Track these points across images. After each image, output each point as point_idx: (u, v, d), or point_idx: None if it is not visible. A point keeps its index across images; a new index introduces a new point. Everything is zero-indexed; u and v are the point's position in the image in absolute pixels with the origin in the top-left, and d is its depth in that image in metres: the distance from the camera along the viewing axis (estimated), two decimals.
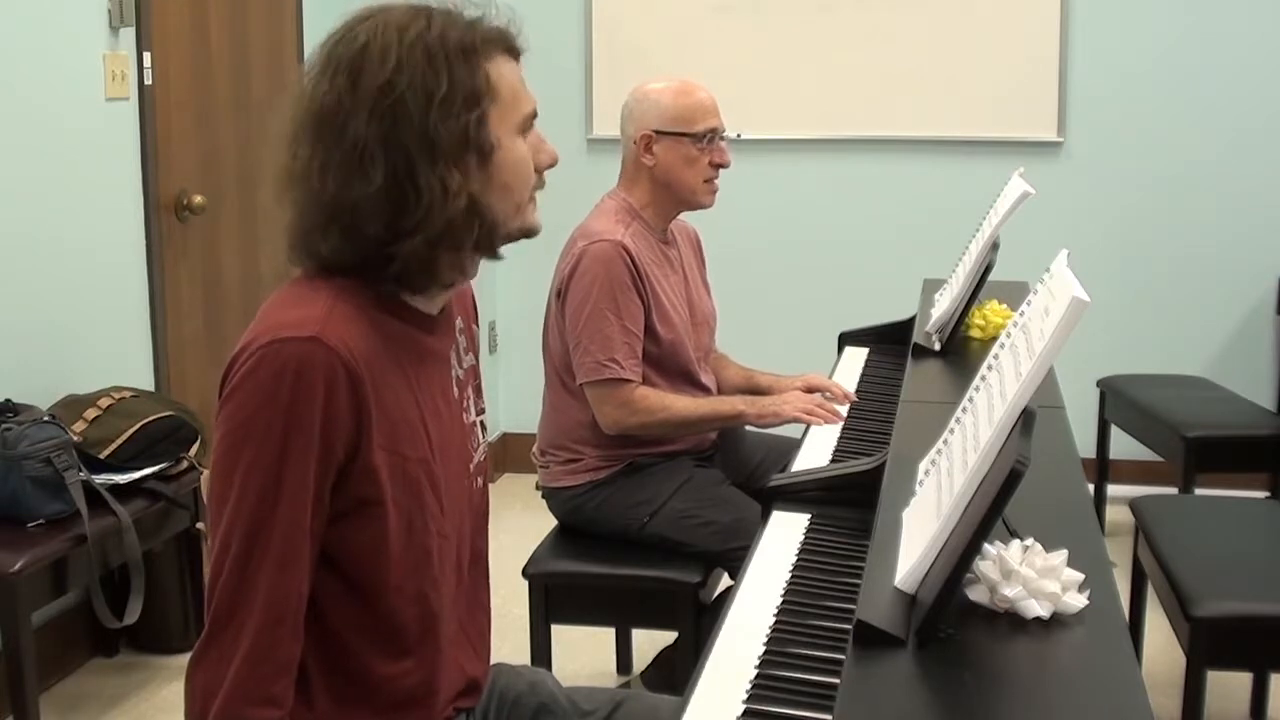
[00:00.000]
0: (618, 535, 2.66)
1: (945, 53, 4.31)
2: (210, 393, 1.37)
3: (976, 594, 1.39)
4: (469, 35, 1.39)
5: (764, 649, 1.53)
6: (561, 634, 2.69)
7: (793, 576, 1.74)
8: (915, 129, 4.36)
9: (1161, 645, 2.99)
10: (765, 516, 1.97)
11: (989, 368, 1.46)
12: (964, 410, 1.51)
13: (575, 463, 2.68)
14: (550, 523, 2.79)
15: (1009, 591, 1.36)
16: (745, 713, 1.40)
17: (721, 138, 2.69)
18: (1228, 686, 2.95)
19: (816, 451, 2.43)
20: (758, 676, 1.47)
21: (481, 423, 1.61)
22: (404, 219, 1.35)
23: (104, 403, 2.95)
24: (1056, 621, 1.36)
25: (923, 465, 1.64)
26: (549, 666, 2.57)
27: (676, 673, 2.66)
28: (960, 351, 2.71)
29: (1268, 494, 3.75)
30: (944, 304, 2.81)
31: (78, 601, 3.08)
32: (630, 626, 3.15)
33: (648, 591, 2.59)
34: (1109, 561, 1.53)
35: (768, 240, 4.50)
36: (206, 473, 1.39)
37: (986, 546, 1.38)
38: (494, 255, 1.45)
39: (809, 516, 1.94)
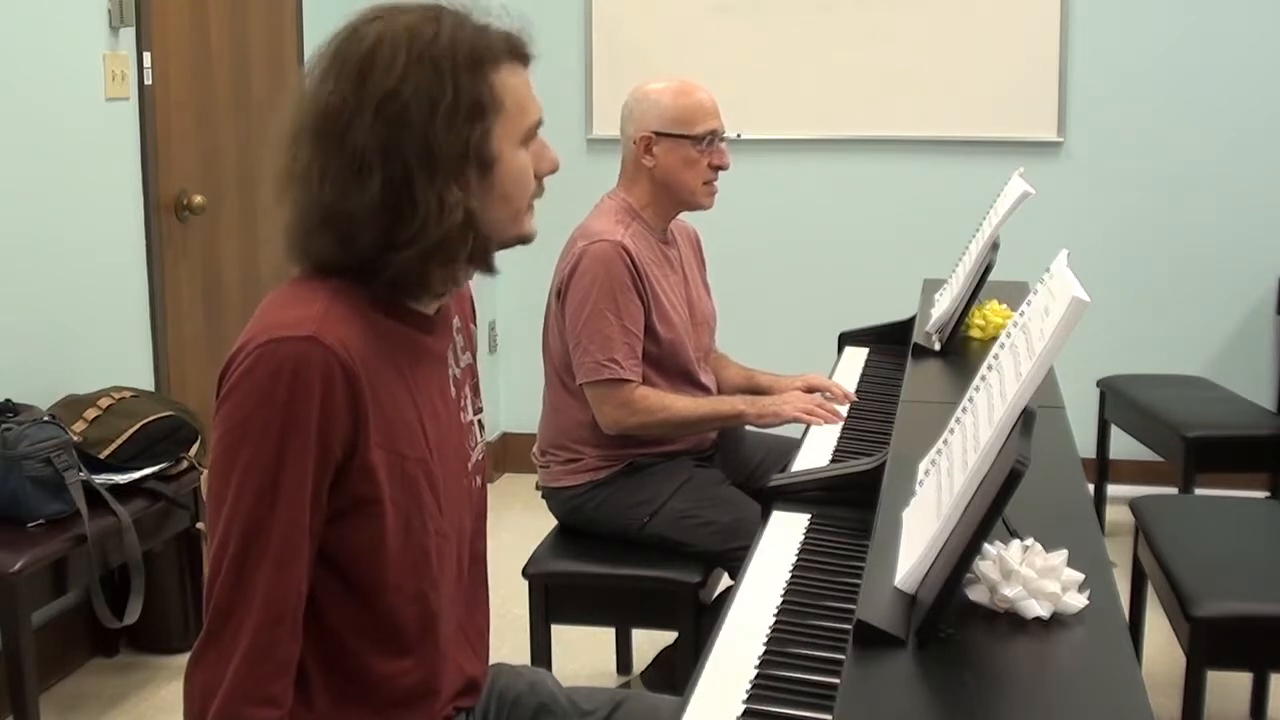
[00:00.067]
0: (618, 535, 2.66)
1: (945, 53, 4.31)
2: (210, 393, 1.37)
3: (976, 594, 1.39)
4: (478, 44, 1.37)
5: (764, 649, 1.53)
6: (561, 634, 2.69)
7: (793, 576, 1.74)
8: (915, 129, 4.36)
9: (1161, 645, 2.99)
10: (765, 516, 1.97)
11: (989, 368, 1.46)
12: (964, 410, 1.51)
13: (575, 463, 2.68)
14: (550, 523, 2.79)
15: (1009, 591, 1.36)
16: (745, 713, 1.40)
17: (722, 139, 2.69)
18: (1228, 686, 2.95)
19: (816, 451, 2.43)
20: (758, 676, 1.47)
21: (479, 422, 1.61)
22: (398, 231, 1.34)
23: (104, 403, 2.95)
24: (1056, 621, 1.36)
25: (923, 465, 1.64)
26: (549, 666, 2.57)
27: (676, 673, 2.66)
28: (960, 351, 2.71)
29: (1268, 494, 3.75)
30: (944, 304, 2.81)
31: (78, 601, 3.08)
32: (630, 626, 3.15)
33: (648, 591, 2.59)
34: (1109, 561, 1.53)
35: (768, 240, 4.50)
36: (207, 472, 1.39)
37: (986, 546, 1.38)
38: (488, 270, 1.44)
39: (809, 516, 1.94)
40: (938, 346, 2.71)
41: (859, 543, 1.78)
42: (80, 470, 2.76)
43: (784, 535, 1.88)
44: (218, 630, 1.31)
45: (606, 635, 3.21)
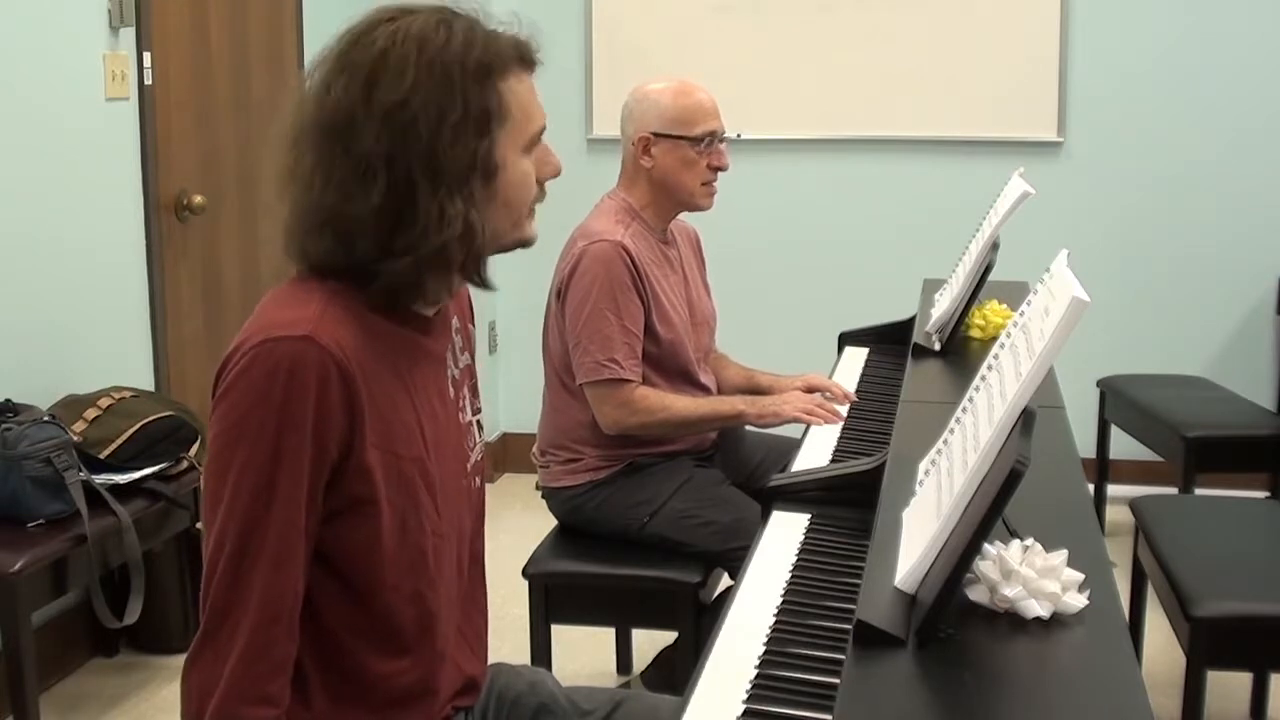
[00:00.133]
0: (618, 535, 2.66)
1: (945, 53, 4.31)
2: (210, 392, 1.37)
3: (976, 594, 1.39)
4: (487, 52, 1.37)
5: (764, 649, 1.53)
6: (561, 634, 2.69)
7: (793, 576, 1.74)
8: (915, 129, 4.36)
9: (1161, 645, 2.99)
10: (765, 516, 1.97)
11: (989, 368, 1.46)
12: (964, 410, 1.51)
13: (575, 463, 2.68)
14: (550, 523, 2.79)
15: (1009, 591, 1.36)
16: (745, 713, 1.40)
17: (721, 140, 2.69)
18: (1228, 686, 2.95)
19: (816, 451, 2.43)
20: (758, 676, 1.47)
21: (478, 422, 1.61)
22: (397, 239, 1.34)
23: (104, 403, 2.95)
24: (1056, 621, 1.35)
25: (923, 465, 1.64)
26: (549, 666, 2.57)
27: (676, 673, 2.66)
28: (960, 351, 2.71)
29: (1268, 494, 3.75)
30: (944, 304, 2.81)
31: (78, 601, 3.08)
32: (630, 626, 3.15)
33: (648, 591, 2.58)
34: (1109, 561, 1.53)
35: (768, 240, 4.50)
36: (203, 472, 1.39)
37: (986, 546, 1.38)
38: (482, 284, 1.44)
39: (809, 516, 1.94)
40: (938, 346, 2.71)
41: (859, 543, 1.78)
42: (80, 470, 2.76)
43: (784, 535, 1.88)
44: (214, 630, 1.31)
45: (606, 635, 3.20)
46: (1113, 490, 4.03)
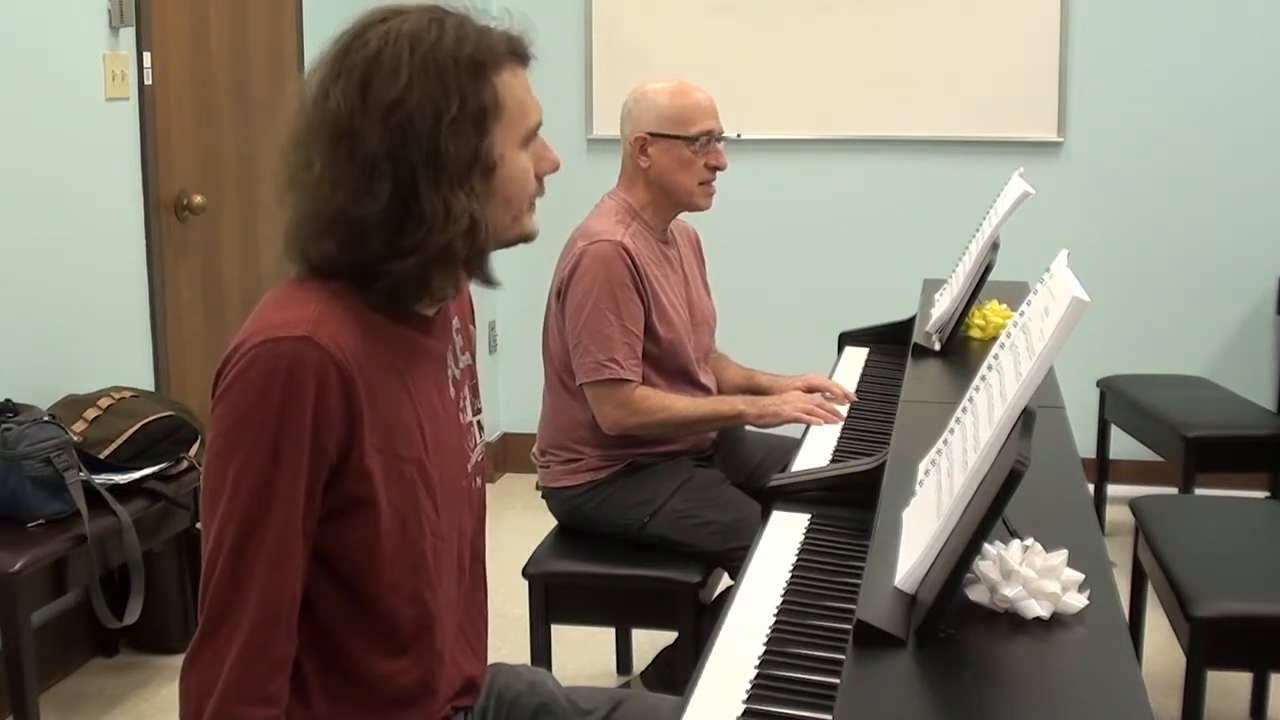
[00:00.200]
0: (618, 535, 2.66)
1: (945, 53, 4.31)
2: (209, 392, 1.37)
3: (976, 594, 1.39)
4: (480, 48, 1.37)
5: (764, 649, 1.53)
6: (561, 634, 2.69)
7: (793, 576, 1.74)
8: (915, 129, 4.36)
9: (1161, 645, 2.99)
10: (765, 516, 1.97)
11: (989, 368, 1.46)
12: (964, 410, 1.51)
13: (575, 463, 2.68)
14: (550, 523, 2.79)
15: (1009, 591, 1.36)
16: (745, 713, 1.40)
17: (719, 139, 2.68)
18: (1228, 686, 2.95)
19: (816, 451, 2.43)
20: (758, 676, 1.47)
21: (479, 423, 1.61)
22: (405, 238, 1.35)
23: (104, 403, 2.95)
24: (1056, 621, 1.35)
25: (923, 465, 1.64)
26: (549, 666, 2.57)
27: (676, 673, 2.66)
28: (960, 351, 2.71)
29: (1268, 494, 3.76)
30: (944, 304, 2.81)
31: (78, 601, 3.08)
32: (630, 626, 3.15)
33: (648, 591, 2.58)
34: (1109, 561, 1.53)
35: (768, 240, 4.50)
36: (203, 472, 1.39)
37: (986, 546, 1.38)
38: (486, 281, 1.44)
39: (809, 516, 1.94)
40: (938, 346, 2.71)
41: (859, 543, 1.78)
42: (80, 470, 2.76)
43: (784, 535, 1.88)
44: (213, 630, 1.31)
45: (606, 635, 3.20)
46: (1113, 490, 4.03)
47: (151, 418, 2.97)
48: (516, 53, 1.42)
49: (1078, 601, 1.36)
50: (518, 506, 4.13)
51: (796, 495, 2.01)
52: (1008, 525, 1.48)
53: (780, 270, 4.51)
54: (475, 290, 1.67)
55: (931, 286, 3.14)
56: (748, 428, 2.81)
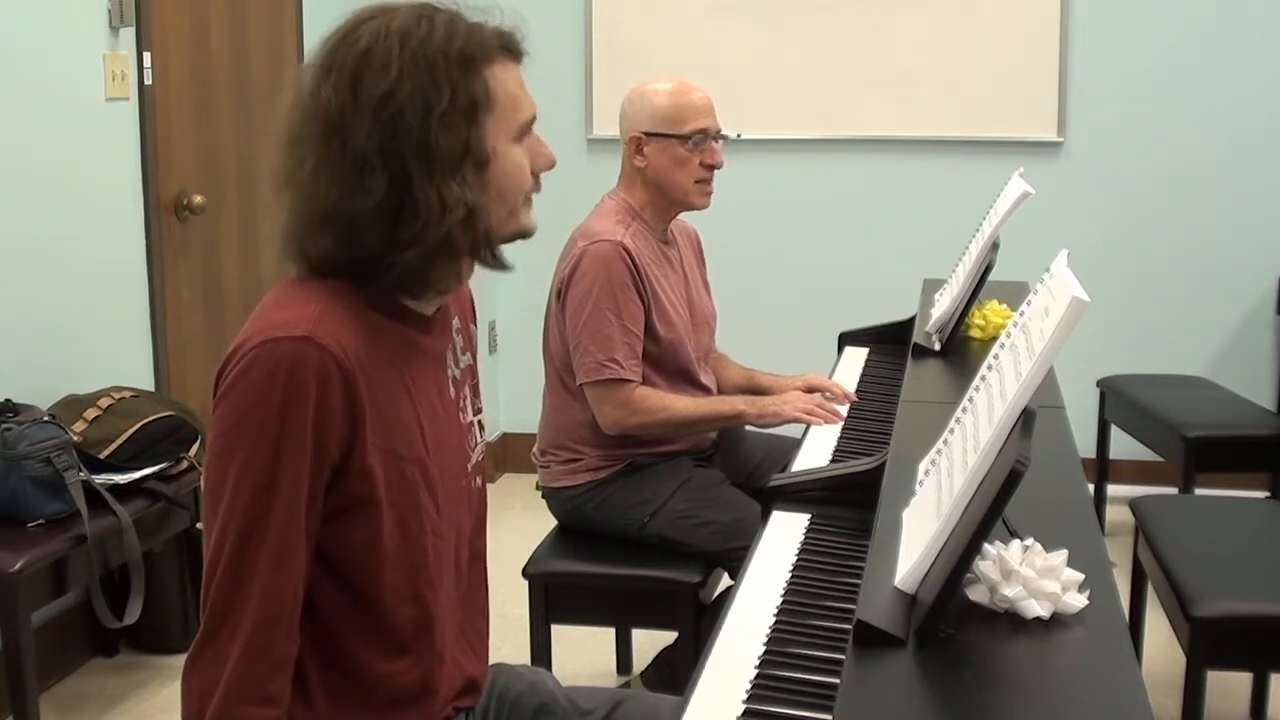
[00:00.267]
0: (618, 535, 2.66)
1: (945, 53, 4.31)
2: (210, 392, 1.37)
3: (976, 594, 1.39)
4: (470, 42, 1.38)
5: (764, 649, 1.53)
6: (561, 634, 2.69)
7: (793, 576, 1.74)
8: (915, 129, 4.36)
9: (1161, 645, 2.99)
10: (765, 516, 1.97)
11: (989, 368, 1.46)
12: (964, 410, 1.51)
13: (575, 463, 2.68)
14: (550, 523, 2.79)
15: (1009, 591, 1.36)
16: (745, 713, 1.40)
17: (716, 138, 2.68)
18: (1228, 686, 2.95)
19: (816, 451, 2.43)
20: (758, 676, 1.47)
21: (479, 422, 1.61)
22: (401, 231, 1.35)
23: (104, 403, 2.95)
24: (1056, 621, 1.35)
25: (923, 465, 1.64)
26: (549, 666, 2.57)
27: (676, 673, 2.66)
28: (960, 351, 2.71)
29: (1268, 494, 3.76)
30: (944, 304, 2.81)
31: (78, 601, 3.08)
32: (630, 626, 3.15)
33: (648, 591, 2.58)
34: (1109, 561, 1.53)
35: (768, 240, 4.50)
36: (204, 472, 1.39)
37: (986, 546, 1.38)
38: (499, 265, 1.45)
39: (809, 516, 1.94)
40: (938, 346, 2.71)
41: (859, 543, 1.78)
42: (80, 470, 2.76)
43: (784, 535, 1.88)
44: (215, 630, 1.31)
45: (606, 635, 3.21)
46: (1113, 490, 4.03)
47: (151, 418, 2.97)
48: (508, 47, 1.43)
49: (1078, 601, 1.36)
50: (518, 506, 4.13)
51: (796, 495, 2.01)
52: (1008, 525, 1.48)
53: (780, 270, 4.51)
54: (475, 290, 1.67)
55: (931, 286, 3.14)
56: (748, 428, 2.81)
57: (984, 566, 1.39)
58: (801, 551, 1.82)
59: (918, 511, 1.54)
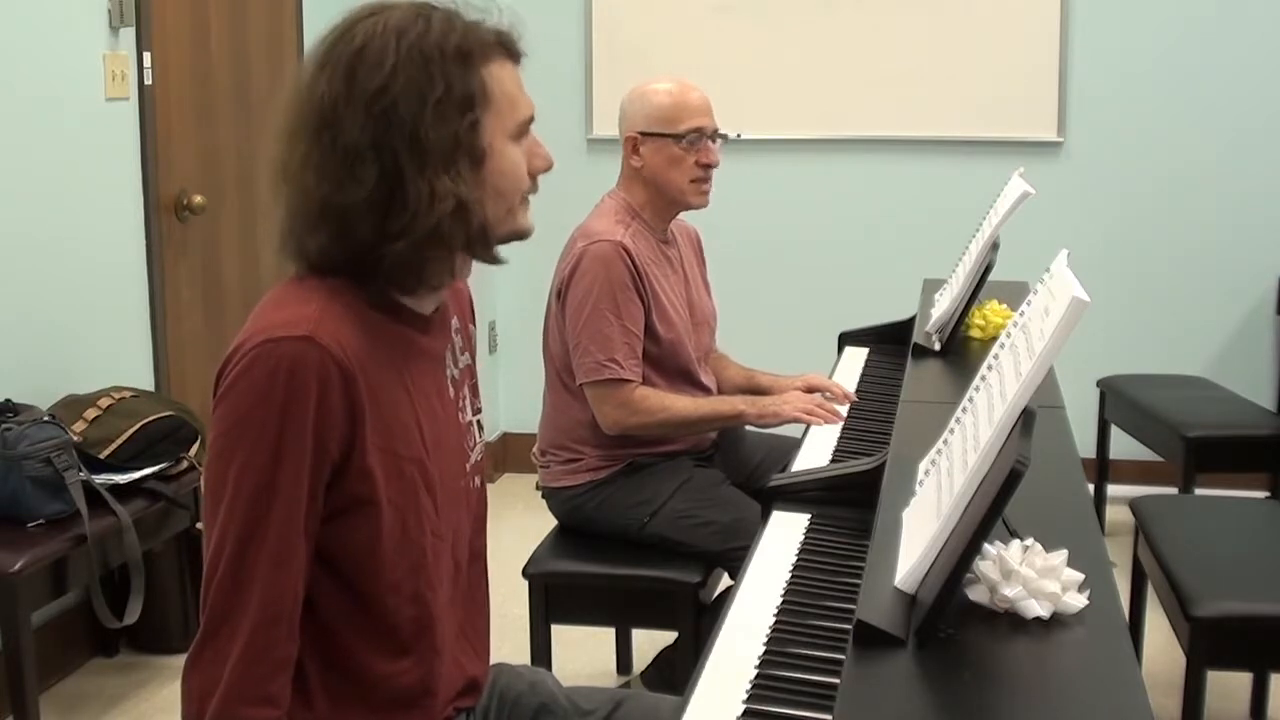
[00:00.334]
0: (618, 535, 2.66)
1: (945, 53, 4.31)
2: (210, 392, 1.37)
3: (976, 594, 1.39)
4: (467, 39, 1.38)
5: (764, 649, 1.53)
6: (561, 634, 2.69)
7: (793, 576, 1.74)
8: (915, 129, 4.36)
9: (1161, 645, 2.99)
10: (765, 516, 1.97)
11: (989, 368, 1.46)
12: (964, 410, 1.51)
13: (575, 463, 2.68)
14: (550, 523, 2.79)
15: (1009, 591, 1.36)
16: (745, 713, 1.40)
17: (714, 137, 2.68)
18: (1228, 686, 2.95)
19: (816, 451, 2.43)
20: (758, 676, 1.47)
21: (478, 422, 1.61)
22: (391, 223, 1.35)
23: (104, 403, 2.95)
24: (1056, 621, 1.35)
25: (923, 465, 1.64)
26: (549, 666, 2.57)
27: (676, 673, 2.66)
28: (960, 351, 2.71)
29: (1268, 494, 3.75)
30: (944, 304, 2.81)
31: (78, 601, 3.08)
32: (630, 626, 3.15)
33: (648, 591, 2.58)
34: (1109, 561, 1.53)
35: (768, 240, 4.50)
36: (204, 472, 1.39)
37: (986, 546, 1.38)
38: (491, 258, 1.44)
39: (809, 516, 1.94)
40: (938, 346, 2.71)
41: (859, 543, 1.78)
42: (80, 470, 2.76)
43: (784, 535, 1.88)
44: (214, 631, 1.31)
45: (606, 635, 3.20)
46: (1113, 490, 4.03)
47: (151, 418, 2.97)
48: (505, 46, 1.43)
49: (1078, 601, 1.36)
50: (518, 506, 4.13)
51: (796, 495, 2.01)
52: (1008, 525, 1.48)
53: (780, 270, 4.51)
54: (475, 290, 1.67)
55: (931, 286, 3.14)
56: (748, 428, 2.81)
57: (984, 566, 1.39)
58: (801, 551, 1.82)
59: (918, 511, 1.54)
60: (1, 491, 2.68)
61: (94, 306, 3.19)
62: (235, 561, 1.30)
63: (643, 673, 3.01)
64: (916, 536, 1.45)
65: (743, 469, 2.83)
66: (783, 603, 1.66)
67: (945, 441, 1.56)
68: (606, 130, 4.22)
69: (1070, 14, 4.24)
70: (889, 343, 3.10)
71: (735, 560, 2.32)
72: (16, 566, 2.54)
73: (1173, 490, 3.53)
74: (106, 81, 3.18)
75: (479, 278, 1.51)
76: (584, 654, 3.21)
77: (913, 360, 2.66)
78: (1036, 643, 1.33)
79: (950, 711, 1.24)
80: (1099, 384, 4.04)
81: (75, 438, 2.81)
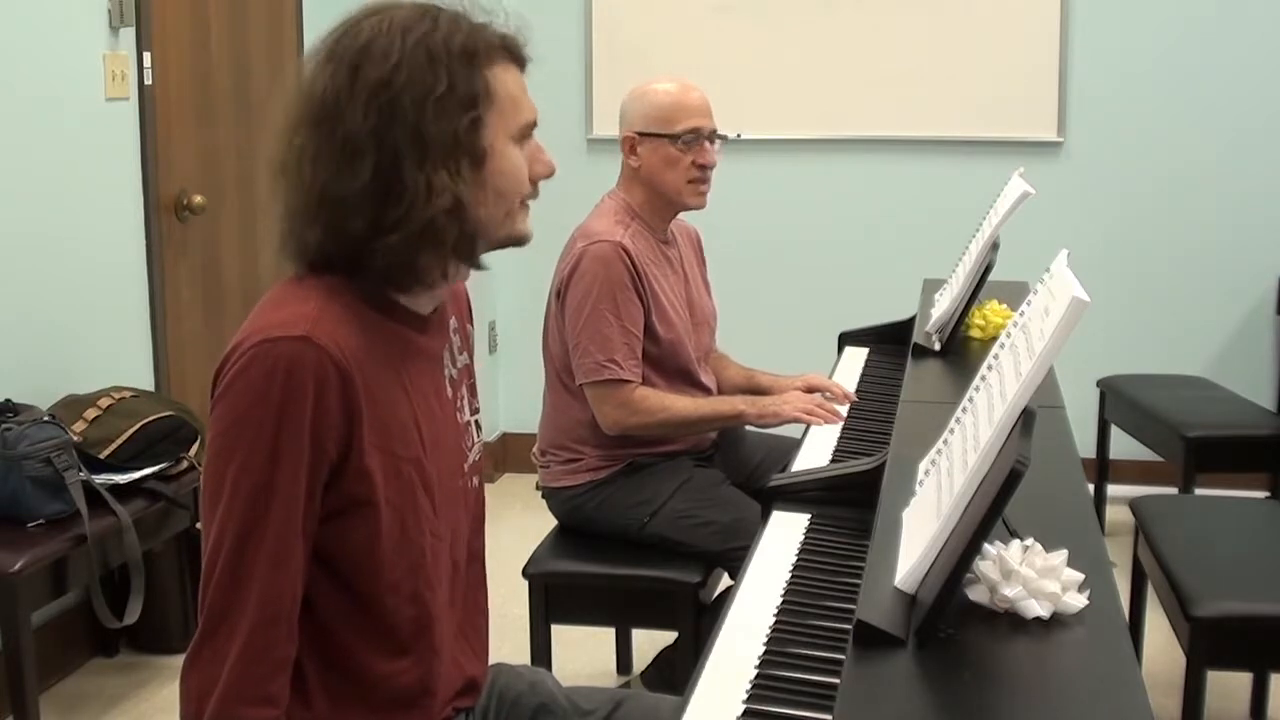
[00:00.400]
0: (618, 535, 2.66)
1: (945, 53, 4.31)
2: (209, 393, 1.37)
3: (976, 594, 1.39)
4: (473, 40, 1.38)
5: (764, 649, 1.53)
6: (561, 634, 2.69)
7: (793, 576, 1.74)
8: (915, 129, 4.36)
9: (1161, 645, 2.99)
10: (765, 516, 1.97)
11: (989, 368, 1.46)
12: (964, 410, 1.51)
13: (575, 463, 2.68)
14: (550, 523, 2.79)
15: (1009, 591, 1.36)
16: (745, 713, 1.40)
17: (711, 138, 2.67)
18: (1228, 686, 2.95)
19: (816, 451, 2.43)
20: (758, 676, 1.47)
21: (476, 422, 1.61)
22: (386, 215, 1.35)
23: (104, 403, 2.95)
24: (1056, 621, 1.35)
25: (923, 465, 1.64)
26: (549, 666, 2.57)
27: (676, 673, 2.66)
28: (960, 351, 2.71)
29: (1268, 494, 3.75)
30: (944, 304, 2.81)
31: (78, 601, 3.08)
32: (630, 626, 3.15)
33: (648, 591, 2.58)
34: (1109, 561, 1.53)
35: (768, 240, 4.50)
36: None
37: (986, 546, 1.38)
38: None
39: (809, 516, 1.94)
40: (938, 346, 2.71)
41: (859, 543, 1.78)
42: (80, 470, 2.76)
43: (784, 535, 1.88)
44: (213, 631, 1.31)
45: (606, 635, 3.20)
46: (1113, 490, 4.03)
47: (151, 418, 2.97)
48: (509, 49, 1.43)
49: (1078, 601, 1.36)
50: (518, 506, 4.13)
51: (796, 495, 2.01)
52: (1008, 525, 1.48)
53: (780, 270, 4.51)
54: (475, 290, 1.67)
55: (931, 286, 3.14)
56: (748, 428, 2.81)
57: (984, 566, 1.39)
58: (801, 551, 1.82)
59: (918, 511, 1.54)
60: (1, 491, 2.68)
61: (94, 306, 3.19)
62: (233, 561, 1.30)
63: (643, 673, 3.01)
64: (916, 536, 1.45)
65: (743, 469, 2.83)
66: (783, 603, 1.66)
67: (945, 441, 1.56)
68: (606, 130, 4.23)
69: (1070, 14, 4.24)
70: (889, 343, 3.10)
71: (735, 560, 2.32)
72: (16, 566, 2.54)
73: (1173, 490, 3.53)
74: (106, 81, 3.18)
75: (479, 278, 1.51)
76: (584, 654, 3.21)
77: (913, 360, 2.66)
78: (1036, 643, 1.33)
79: (950, 711, 1.24)
80: (1099, 384, 4.04)
81: (75, 438, 2.81)
